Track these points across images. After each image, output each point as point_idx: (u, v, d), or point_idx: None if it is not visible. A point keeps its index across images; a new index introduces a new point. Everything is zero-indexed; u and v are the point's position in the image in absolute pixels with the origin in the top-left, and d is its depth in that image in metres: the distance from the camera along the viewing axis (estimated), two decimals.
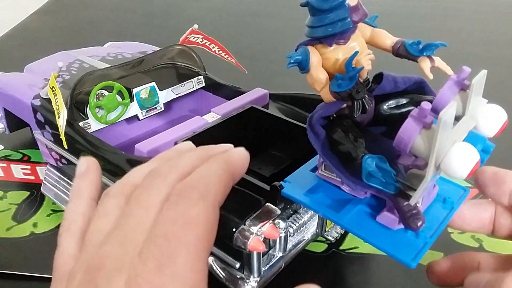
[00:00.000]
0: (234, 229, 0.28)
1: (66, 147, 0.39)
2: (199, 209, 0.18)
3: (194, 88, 0.50)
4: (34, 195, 0.45)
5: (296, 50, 0.28)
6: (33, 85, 0.47)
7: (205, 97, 0.50)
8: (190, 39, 0.50)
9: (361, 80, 0.28)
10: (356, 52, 0.26)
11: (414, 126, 0.24)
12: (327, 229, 0.35)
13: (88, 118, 0.42)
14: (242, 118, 0.42)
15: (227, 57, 0.50)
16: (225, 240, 0.29)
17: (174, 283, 0.17)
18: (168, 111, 0.48)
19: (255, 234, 0.27)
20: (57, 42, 0.83)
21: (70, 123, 0.40)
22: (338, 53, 0.27)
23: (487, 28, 0.91)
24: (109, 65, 0.45)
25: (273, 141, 0.41)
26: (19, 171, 0.49)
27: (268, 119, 0.42)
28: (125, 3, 1.07)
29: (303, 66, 0.28)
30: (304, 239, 0.34)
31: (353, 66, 0.26)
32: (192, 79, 0.50)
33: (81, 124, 0.41)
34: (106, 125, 0.43)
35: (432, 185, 0.29)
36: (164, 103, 0.48)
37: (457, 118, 0.26)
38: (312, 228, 0.34)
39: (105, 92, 0.43)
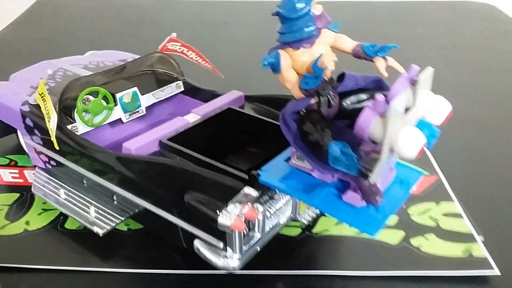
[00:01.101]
0: (217, 212, 0.32)
1: (57, 148, 0.41)
2: None
3: (174, 93, 0.53)
4: (24, 196, 0.47)
5: (268, 54, 0.32)
6: (20, 93, 0.49)
7: (184, 101, 0.54)
8: (168, 47, 0.54)
9: (326, 79, 0.32)
10: (321, 55, 0.31)
11: (370, 115, 0.28)
12: (299, 213, 0.39)
13: (75, 122, 0.45)
14: (220, 118, 0.46)
15: (204, 63, 0.54)
16: (210, 222, 0.32)
17: None
18: (149, 114, 0.51)
19: (237, 215, 0.31)
20: (36, 52, 0.85)
21: (59, 126, 0.43)
22: (305, 56, 0.32)
23: (447, 34, 0.98)
24: (92, 72, 0.48)
25: (250, 139, 0.45)
26: (7, 175, 0.51)
27: (244, 119, 0.46)
28: (100, 14, 1.09)
29: (275, 67, 0.32)
30: (280, 223, 0.37)
31: (319, 66, 0.31)
32: (172, 84, 0.53)
33: (69, 127, 0.44)
34: (92, 128, 0.46)
35: (389, 168, 0.34)
36: (146, 107, 0.51)
37: (409, 109, 0.30)
38: (287, 212, 0.38)
39: (91, 97, 0.46)
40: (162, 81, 0.53)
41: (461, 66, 0.82)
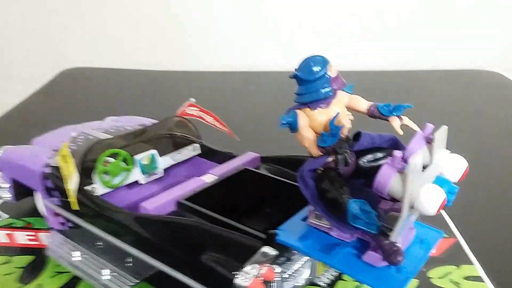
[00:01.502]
0: (234, 272, 0.31)
1: (78, 208, 0.42)
2: None
3: (191, 155, 0.54)
4: (38, 259, 0.47)
5: (287, 114, 0.33)
6: (42, 155, 0.51)
7: (201, 163, 0.54)
8: (187, 111, 0.55)
9: (343, 137, 0.33)
10: (338, 113, 0.32)
11: (389, 171, 0.28)
12: (318, 275, 0.38)
13: (93, 183, 0.46)
14: (237, 179, 0.46)
15: (221, 127, 0.55)
16: (227, 284, 0.32)
17: None
18: (167, 176, 0.52)
19: (255, 276, 0.30)
20: (57, 120, 0.87)
21: (79, 188, 0.44)
22: (322, 115, 0.33)
23: (454, 101, 1.00)
24: (112, 136, 0.50)
25: (266, 199, 0.45)
26: (23, 237, 0.51)
27: (260, 179, 0.46)
28: (119, 82, 1.13)
29: (293, 126, 0.33)
30: (298, 284, 0.37)
31: (336, 125, 0.31)
32: (189, 147, 0.54)
33: (88, 188, 0.45)
34: (111, 190, 0.47)
35: (410, 227, 0.34)
36: (163, 169, 0.52)
37: (426, 167, 0.30)
38: (304, 274, 0.37)
39: (111, 159, 0.47)
40: (180, 144, 0.54)
41: (468, 131, 0.83)
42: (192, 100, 0.55)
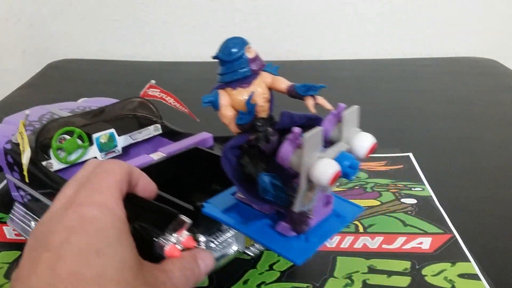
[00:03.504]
0: (154, 239, 0.33)
1: (27, 181, 0.44)
2: (113, 165, 0.33)
3: (152, 135, 0.57)
4: None
5: (209, 93, 0.35)
6: (7, 133, 0.54)
7: (161, 142, 0.57)
8: (149, 93, 0.58)
9: (265, 116, 0.35)
10: (253, 92, 0.34)
11: (289, 147, 0.30)
12: (246, 246, 0.40)
13: (50, 159, 0.48)
14: (186, 157, 0.48)
15: (181, 108, 0.58)
16: (148, 248, 0.34)
17: (100, 206, 0.30)
18: (126, 154, 0.54)
19: (171, 242, 0.33)
20: None
21: (34, 162, 0.46)
22: (242, 95, 0.34)
23: (450, 88, 1.01)
24: (70, 115, 0.52)
25: (214, 177, 0.47)
26: (11, 232, 0.52)
27: (209, 158, 0.48)
28: (108, 73, 1.13)
29: (215, 105, 0.35)
30: (227, 254, 0.39)
31: (251, 103, 0.33)
32: (150, 127, 0.57)
33: (44, 163, 0.47)
34: (67, 165, 0.49)
35: (323, 200, 0.35)
36: (122, 147, 0.54)
37: (334, 143, 0.32)
38: (233, 245, 0.39)
39: (67, 137, 0.49)
40: (140, 124, 0.57)
41: (465, 118, 0.84)
42: (153, 81, 0.57)
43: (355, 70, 1.13)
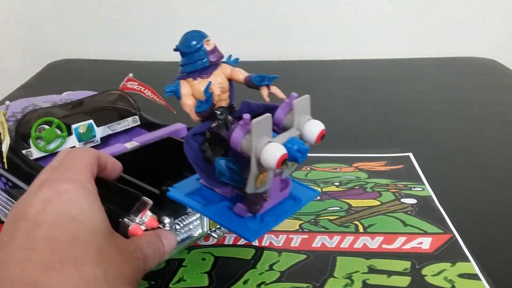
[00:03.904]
0: (119, 219, 0.36)
1: (7, 168, 0.47)
2: (82, 150, 0.37)
3: (130, 126, 0.59)
4: None
5: (172, 84, 0.37)
6: None
7: (139, 134, 0.59)
8: (127, 85, 0.60)
9: (225, 105, 0.37)
10: (210, 82, 0.36)
11: (239, 131, 0.32)
12: (211, 228, 0.42)
13: (30, 147, 0.51)
14: (158, 146, 0.51)
15: (159, 100, 0.60)
16: (114, 228, 0.36)
17: (72, 181, 0.33)
18: (104, 144, 0.57)
19: (135, 222, 0.35)
20: None
21: (14, 150, 0.49)
22: (201, 85, 0.37)
23: (449, 88, 1.02)
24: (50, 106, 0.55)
25: (187, 166, 0.50)
26: None
27: (181, 147, 0.51)
28: (108, 73, 1.13)
29: (177, 94, 0.37)
30: (192, 236, 0.41)
31: (209, 92, 0.36)
32: (128, 118, 0.59)
33: (24, 152, 0.50)
34: (46, 154, 0.52)
35: (278, 183, 0.38)
36: (100, 138, 0.56)
37: (287, 128, 0.35)
38: (199, 227, 0.42)
39: (46, 126, 0.52)
40: (119, 115, 0.59)
41: (465, 118, 0.85)
42: (131, 75, 0.59)
43: (355, 70, 1.15)
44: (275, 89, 0.37)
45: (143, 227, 0.36)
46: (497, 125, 0.82)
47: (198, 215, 0.42)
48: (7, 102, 0.49)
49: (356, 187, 0.61)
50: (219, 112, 0.37)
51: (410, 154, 0.70)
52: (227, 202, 0.38)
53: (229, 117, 0.38)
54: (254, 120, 0.31)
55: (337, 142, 0.73)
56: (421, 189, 0.60)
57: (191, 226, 0.41)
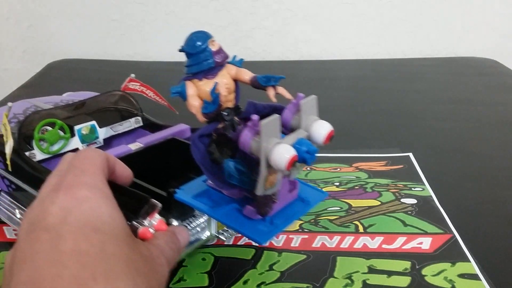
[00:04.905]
0: (128, 222, 0.35)
1: (10, 170, 0.46)
2: (91, 151, 0.35)
3: (132, 127, 0.59)
4: None
5: (177, 84, 0.37)
6: None
7: (142, 134, 0.59)
8: (129, 86, 0.60)
9: (231, 106, 0.37)
10: (216, 83, 0.36)
11: (248, 133, 0.32)
12: (219, 230, 0.42)
13: (33, 149, 0.50)
14: (163, 147, 0.50)
15: (161, 101, 0.59)
16: None
17: (89, 187, 0.31)
18: (107, 146, 0.56)
19: (144, 225, 0.35)
20: None
21: (18, 152, 0.48)
22: (207, 86, 0.36)
23: (449, 88, 1.02)
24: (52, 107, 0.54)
25: (191, 167, 0.49)
26: (11, 232, 0.53)
27: (186, 148, 0.50)
28: (108, 73, 1.13)
29: (182, 95, 0.37)
30: (200, 238, 0.41)
31: (215, 93, 0.35)
32: (130, 119, 0.59)
33: (27, 153, 0.49)
34: (49, 156, 0.51)
35: (288, 185, 0.38)
36: (103, 139, 0.56)
37: (295, 130, 0.35)
38: (207, 229, 0.42)
39: (49, 128, 0.51)
40: (121, 116, 0.59)
41: (465, 118, 0.85)
42: (132, 75, 0.59)
43: (355, 70, 1.15)
44: (282, 90, 0.36)
45: (151, 230, 0.36)
46: (497, 125, 0.82)
47: (205, 217, 0.42)
48: (9, 103, 0.49)
49: (356, 187, 0.61)
50: (225, 113, 0.37)
51: (410, 154, 0.70)
52: (235, 204, 0.37)
53: (236, 118, 0.37)
54: (263, 121, 0.31)
55: (337, 142, 0.72)
56: (421, 189, 0.60)
57: (198, 229, 0.41)
